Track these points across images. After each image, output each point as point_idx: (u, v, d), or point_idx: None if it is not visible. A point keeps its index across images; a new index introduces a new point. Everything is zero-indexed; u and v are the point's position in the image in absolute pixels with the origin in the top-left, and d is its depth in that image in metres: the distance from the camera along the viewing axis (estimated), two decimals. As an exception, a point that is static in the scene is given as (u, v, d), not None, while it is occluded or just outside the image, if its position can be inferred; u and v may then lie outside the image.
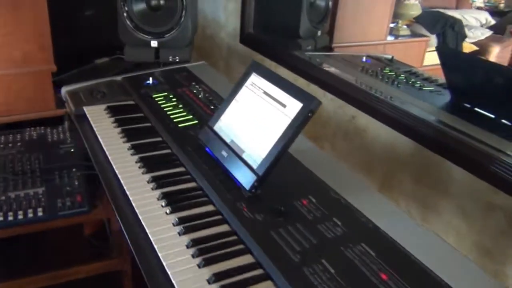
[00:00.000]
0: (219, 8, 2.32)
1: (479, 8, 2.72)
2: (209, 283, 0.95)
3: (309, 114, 1.14)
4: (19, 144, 2.07)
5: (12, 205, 1.70)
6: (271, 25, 2.07)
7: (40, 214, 1.70)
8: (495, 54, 2.41)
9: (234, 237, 1.08)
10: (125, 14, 1.83)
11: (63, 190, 1.84)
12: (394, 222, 1.11)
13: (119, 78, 1.85)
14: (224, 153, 1.28)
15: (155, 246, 1.04)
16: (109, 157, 1.36)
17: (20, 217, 1.68)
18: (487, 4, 2.71)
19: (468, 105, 1.40)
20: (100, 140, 1.46)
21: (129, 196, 1.20)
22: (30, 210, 1.70)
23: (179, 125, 1.50)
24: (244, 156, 1.22)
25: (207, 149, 1.35)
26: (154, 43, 1.90)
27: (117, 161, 1.34)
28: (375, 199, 1.22)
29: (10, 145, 2.06)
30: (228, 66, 2.34)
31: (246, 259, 1.02)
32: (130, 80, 1.84)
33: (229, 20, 2.27)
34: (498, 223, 1.21)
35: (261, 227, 1.05)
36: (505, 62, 2.34)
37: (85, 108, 1.63)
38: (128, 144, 1.43)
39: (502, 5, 2.70)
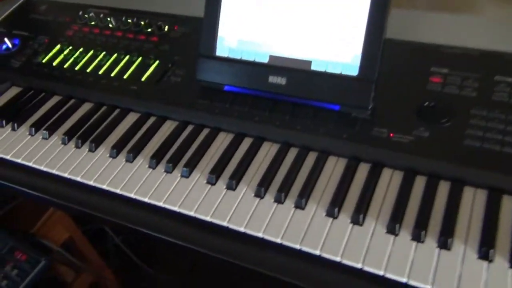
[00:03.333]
0: None
1: None
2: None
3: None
4: None
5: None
6: None
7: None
8: None
9: (423, 178, 0.70)
10: None
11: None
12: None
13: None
14: (276, 79, 0.82)
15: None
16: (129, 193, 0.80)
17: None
18: None
19: None
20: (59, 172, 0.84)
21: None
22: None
23: (142, 80, 0.93)
24: (315, 67, 0.79)
25: (229, 88, 0.87)
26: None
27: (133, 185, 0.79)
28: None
29: None
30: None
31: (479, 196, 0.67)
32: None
33: None
34: None
35: (446, 144, 0.70)
36: None
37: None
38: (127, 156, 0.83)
39: None
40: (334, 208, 0.67)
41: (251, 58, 0.83)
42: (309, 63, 0.79)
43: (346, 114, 0.77)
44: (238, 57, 0.84)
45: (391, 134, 0.73)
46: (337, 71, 0.77)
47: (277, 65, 0.81)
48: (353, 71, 0.76)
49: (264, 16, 0.81)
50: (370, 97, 0.75)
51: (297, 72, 0.79)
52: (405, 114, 0.75)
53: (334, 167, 0.74)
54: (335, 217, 0.67)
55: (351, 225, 0.66)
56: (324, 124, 0.77)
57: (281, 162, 0.76)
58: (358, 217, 0.66)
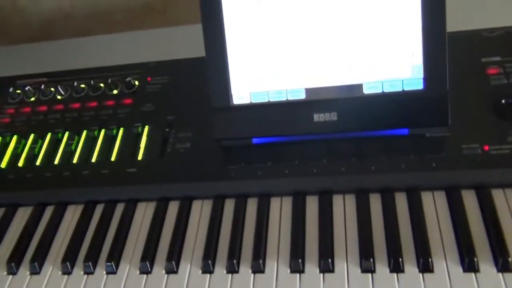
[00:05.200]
0: None
1: None
2: None
3: None
4: None
5: None
6: None
7: None
8: None
9: None
10: None
11: None
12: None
13: None
14: (323, 116, 0.64)
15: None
16: None
17: None
18: None
19: None
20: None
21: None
22: None
23: (139, 159, 0.71)
24: (369, 91, 0.64)
25: (260, 140, 0.68)
26: None
27: None
28: None
29: None
30: None
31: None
32: None
33: None
34: None
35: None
36: None
37: None
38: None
39: None
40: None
41: (282, 98, 0.66)
42: (359, 87, 0.64)
43: (420, 137, 0.64)
44: (264, 100, 0.66)
45: (486, 147, 0.60)
46: (397, 89, 0.63)
47: (320, 99, 0.64)
48: (417, 85, 0.62)
49: (289, 43, 0.63)
50: (448, 112, 0.61)
51: (349, 102, 0.64)
52: (487, 119, 0.63)
53: (434, 203, 0.60)
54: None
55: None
56: (402, 156, 0.62)
57: (368, 214, 0.60)
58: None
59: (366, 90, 0.63)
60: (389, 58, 0.62)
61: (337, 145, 0.65)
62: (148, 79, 0.80)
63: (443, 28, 0.60)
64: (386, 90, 0.63)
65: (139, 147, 0.71)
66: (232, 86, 0.66)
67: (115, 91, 0.80)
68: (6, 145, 0.77)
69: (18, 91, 0.83)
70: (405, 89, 0.63)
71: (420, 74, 0.62)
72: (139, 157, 0.70)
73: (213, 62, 0.66)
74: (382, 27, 0.61)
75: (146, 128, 0.73)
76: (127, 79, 0.79)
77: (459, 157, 0.60)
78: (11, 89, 0.84)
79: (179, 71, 0.80)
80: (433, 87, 0.61)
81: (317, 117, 0.64)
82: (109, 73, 0.82)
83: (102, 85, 0.81)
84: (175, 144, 0.70)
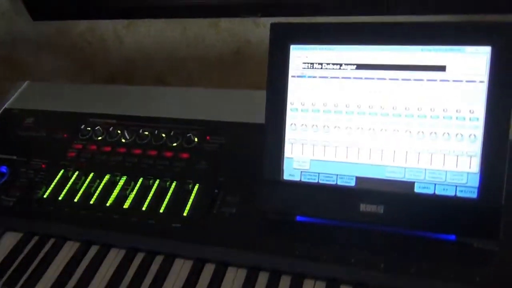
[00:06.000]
0: None
1: None
2: None
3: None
4: None
5: None
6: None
7: None
8: None
9: None
10: None
11: None
12: None
13: None
14: (370, 207, 0.64)
15: None
16: None
17: None
18: None
19: None
20: None
21: None
22: None
23: (184, 214, 0.73)
24: (420, 190, 0.63)
25: (303, 219, 0.69)
26: None
27: None
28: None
29: None
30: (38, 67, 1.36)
31: None
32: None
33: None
34: None
35: None
36: None
37: None
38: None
39: None
40: None
41: (331, 182, 0.66)
42: (411, 184, 0.63)
43: (467, 246, 0.61)
44: (313, 180, 0.67)
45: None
46: (449, 193, 0.62)
47: (369, 189, 0.64)
48: (471, 192, 0.61)
49: (346, 130, 0.65)
50: (500, 226, 0.59)
51: (398, 197, 0.63)
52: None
53: (474, 322, 0.57)
54: None
55: None
56: (445, 264, 0.60)
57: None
58: None
59: (417, 189, 0.63)
60: (446, 161, 0.61)
61: (379, 238, 0.64)
62: (207, 137, 0.83)
63: (505, 139, 0.59)
64: (437, 193, 0.62)
65: (187, 204, 0.74)
66: (284, 162, 0.67)
67: (174, 144, 0.83)
68: (67, 179, 0.82)
69: (89, 128, 0.89)
70: (458, 195, 0.61)
71: (476, 182, 0.60)
72: (185, 213, 0.72)
73: (270, 135, 0.68)
74: (442, 130, 0.61)
75: (197, 186, 0.76)
76: (188, 134, 0.83)
77: (506, 275, 0.57)
78: (82, 126, 0.90)
79: (236, 134, 0.83)
80: (487, 198, 0.60)
81: (364, 207, 0.64)
82: (172, 125, 0.86)
83: (164, 135, 0.85)
84: (221, 207, 0.72)
